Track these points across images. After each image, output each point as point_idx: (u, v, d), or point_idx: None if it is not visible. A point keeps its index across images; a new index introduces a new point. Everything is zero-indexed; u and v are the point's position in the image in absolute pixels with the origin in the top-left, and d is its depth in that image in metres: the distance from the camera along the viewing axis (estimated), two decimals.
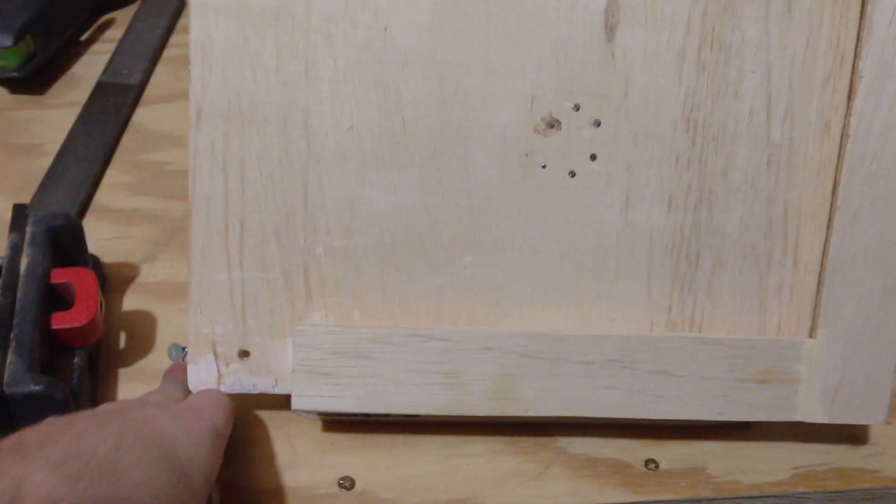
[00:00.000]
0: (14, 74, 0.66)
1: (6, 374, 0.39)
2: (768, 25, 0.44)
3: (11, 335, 0.41)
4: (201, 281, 0.44)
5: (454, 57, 0.43)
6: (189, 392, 0.45)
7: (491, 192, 0.44)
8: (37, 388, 0.39)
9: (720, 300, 0.46)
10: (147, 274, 0.56)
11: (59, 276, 0.46)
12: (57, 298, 0.45)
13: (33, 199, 0.59)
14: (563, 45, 0.43)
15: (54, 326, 0.44)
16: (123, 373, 0.50)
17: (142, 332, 0.53)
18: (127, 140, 0.66)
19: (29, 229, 0.47)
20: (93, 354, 0.48)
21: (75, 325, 0.44)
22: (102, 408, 0.40)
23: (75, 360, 0.45)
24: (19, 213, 0.47)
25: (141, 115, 0.68)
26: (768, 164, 0.45)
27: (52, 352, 0.44)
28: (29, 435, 0.34)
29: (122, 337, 0.52)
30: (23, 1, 0.67)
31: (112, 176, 0.63)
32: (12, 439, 0.34)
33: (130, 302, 0.54)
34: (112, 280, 0.56)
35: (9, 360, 0.40)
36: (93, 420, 0.36)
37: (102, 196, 0.62)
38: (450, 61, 0.43)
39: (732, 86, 0.44)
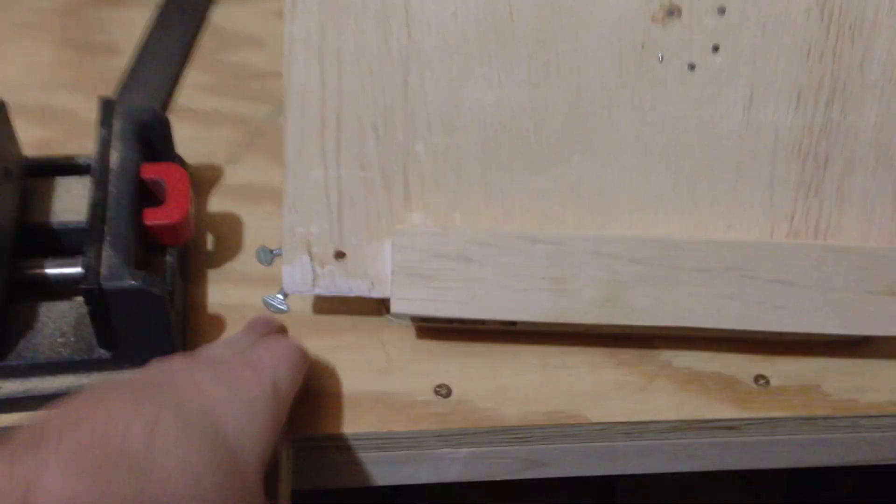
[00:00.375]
0: None
1: (103, 269, 0.38)
2: None
3: (106, 229, 0.40)
4: (296, 178, 0.41)
5: None
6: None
7: (602, 87, 0.41)
8: (135, 283, 0.38)
9: (849, 206, 0.42)
10: (232, 176, 0.55)
11: (150, 171, 0.44)
12: (147, 195, 0.44)
13: (116, 97, 0.57)
14: None
15: (147, 223, 0.42)
16: (213, 274, 0.49)
17: (229, 234, 0.51)
18: (205, 40, 0.64)
19: (117, 124, 0.45)
20: (183, 254, 0.46)
21: (168, 221, 0.42)
22: (147, 371, 0.36)
23: (167, 258, 0.43)
24: (108, 107, 0.45)
25: (218, 15, 0.66)
26: None
27: (145, 250, 0.43)
28: (54, 417, 0.30)
29: (210, 238, 0.51)
30: None
31: (192, 76, 0.61)
32: (35, 423, 0.30)
33: (216, 203, 0.53)
34: (196, 181, 0.54)
35: (104, 254, 0.39)
36: (127, 395, 0.32)
37: (183, 96, 0.60)
38: None
39: None
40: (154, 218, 0.42)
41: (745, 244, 0.42)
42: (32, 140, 0.52)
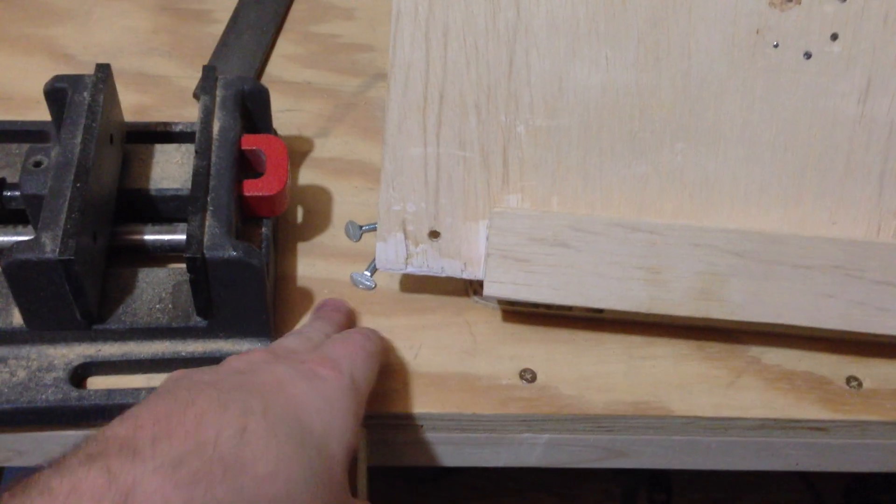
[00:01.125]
0: None
1: (206, 238, 0.38)
2: None
3: (209, 199, 0.40)
4: (396, 155, 0.41)
5: None
6: (338, 329, 0.41)
7: (713, 72, 0.40)
8: (235, 253, 0.38)
9: None
10: (321, 149, 0.54)
11: (250, 142, 0.44)
12: (247, 165, 0.43)
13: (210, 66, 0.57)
14: None
15: (246, 193, 0.42)
16: (301, 247, 0.48)
17: (318, 208, 0.51)
18: (296, 10, 0.63)
19: (219, 92, 0.45)
20: (275, 226, 0.46)
21: (267, 193, 0.42)
22: (228, 368, 0.35)
23: (263, 229, 0.43)
24: (210, 74, 0.45)
25: None
26: None
27: (243, 220, 0.43)
28: (144, 421, 0.30)
29: (300, 211, 0.50)
30: None
31: (283, 47, 0.61)
32: (124, 429, 0.29)
33: (305, 176, 0.52)
34: (290, 153, 0.54)
35: (207, 223, 0.39)
36: (214, 398, 0.31)
37: (274, 67, 0.59)
38: None
39: None
40: (254, 189, 0.42)
41: (850, 242, 0.40)
42: (129, 106, 0.52)
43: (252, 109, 0.46)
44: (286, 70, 0.59)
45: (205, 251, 0.37)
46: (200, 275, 0.38)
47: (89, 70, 0.44)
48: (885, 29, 0.39)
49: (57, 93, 0.43)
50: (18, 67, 0.56)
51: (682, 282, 0.40)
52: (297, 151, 0.54)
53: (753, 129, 0.40)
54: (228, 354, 0.39)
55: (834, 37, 0.39)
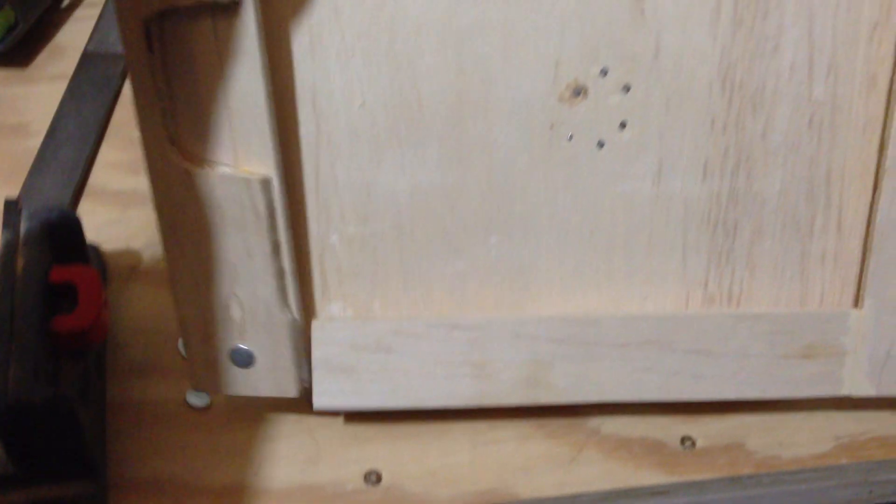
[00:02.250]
0: None
1: (10, 386, 0.36)
2: None
3: (12, 342, 0.37)
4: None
5: (471, 22, 0.38)
6: None
7: (514, 167, 0.40)
8: (44, 398, 0.36)
9: (760, 271, 0.42)
10: (151, 260, 0.53)
11: (60, 274, 0.42)
12: (58, 299, 0.41)
13: (25, 184, 0.55)
14: (589, 5, 0.39)
15: (58, 330, 0.40)
16: (134, 370, 0.47)
17: (150, 325, 0.49)
18: (120, 114, 0.62)
19: (24, 225, 0.43)
20: (100, 354, 0.44)
21: (79, 327, 0.40)
22: None
23: (82, 364, 0.41)
24: (11, 208, 0.43)
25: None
26: (810, 123, 0.41)
27: (57, 357, 0.41)
28: None
29: (130, 331, 0.48)
30: None
31: (107, 154, 0.59)
32: None
33: (136, 292, 0.51)
34: (114, 269, 0.52)
35: (12, 370, 0.36)
36: None
37: (98, 177, 0.57)
38: (466, 27, 0.38)
39: (772, 41, 0.40)
40: (65, 325, 0.40)
41: (660, 317, 0.41)
42: None
43: (63, 238, 0.44)
44: (111, 179, 0.57)
45: (9, 398, 0.35)
46: (7, 423, 0.35)
47: None
48: (669, 114, 0.40)
49: None
50: None
51: (507, 373, 0.41)
52: (125, 266, 0.52)
53: (560, 217, 0.41)
54: (52, 501, 0.37)
55: (623, 125, 0.40)
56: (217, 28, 0.36)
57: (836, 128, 0.41)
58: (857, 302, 0.42)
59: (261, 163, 0.38)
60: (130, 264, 0.52)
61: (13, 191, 0.54)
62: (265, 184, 0.38)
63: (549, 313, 0.41)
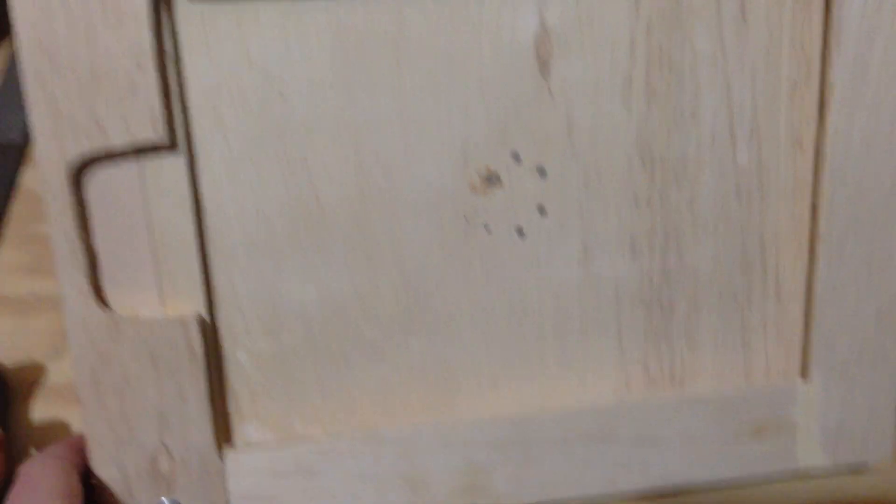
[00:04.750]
0: None
1: None
2: (722, 36, 0.38)
3: None
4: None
5: (365, 115, 0.37)
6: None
7: (429, 263, 0.39)
8: None
9: (700, 347, 0.41)
10: (56, 373, 0.50)
11: None
12: None
13: None
14: (491, 87, 0.37)
15: None
16: None
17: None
18: (16, 209, 0.59)
19: None
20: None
21: None
22: None
23: None
24: None
25: (30, 178, 0.61)
26: (737, 191, 0.40)
27: None
28: None
29: (34, 454, 0.46)
30: None
31: (5, 256, 0.56)
32: None
33: (40, 410, 0.48)
34: (15, 385, 0.49)
35: None
36: None
37: None
38: (361, 121, 0.37)
39: (689, 109, 0.39)
40: None
41: (599, 408, 0.40)
42: None
43: None
44: (8, 283, 0.54)
45: None
46: None
47: None
48: (589, 193, 0.39)
49: None
50: None
51: (442, 484, 0.39)
52: (27, 381, 0.49)
53: (484, 310, 0.40)
54: None
55: (541, 210, 0.39)
56: (145, 168, 0.35)
57: (765, 193, 0.40)
58: (804, 371, 0.41)
59: (191, 300, 0.37)
60: (33, 379, 0.49)
61: None
62: (200, 322, 0.36)
63: (482, 415, 0.40)
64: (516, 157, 0.38)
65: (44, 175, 0.35)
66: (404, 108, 0.37)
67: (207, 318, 0.38)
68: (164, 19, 0.35)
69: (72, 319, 0.37)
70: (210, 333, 0.38)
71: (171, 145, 0.35)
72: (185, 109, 0.36)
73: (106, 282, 0.37)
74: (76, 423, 0.47)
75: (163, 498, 0.38)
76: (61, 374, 0.50)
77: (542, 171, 0.39)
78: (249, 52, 0.35)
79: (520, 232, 0.39)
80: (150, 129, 0.34)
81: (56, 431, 0.47)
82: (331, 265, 0.38)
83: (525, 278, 0.40)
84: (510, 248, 0.39)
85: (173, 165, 0.36)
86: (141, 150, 0.35)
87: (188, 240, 0.37)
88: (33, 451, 0.46)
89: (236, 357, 0.39)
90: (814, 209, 0.40)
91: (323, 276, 0.38)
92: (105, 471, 0.38)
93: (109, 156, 0.35)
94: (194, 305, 0.37)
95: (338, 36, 0.36)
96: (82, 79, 0.34)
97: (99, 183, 0.35)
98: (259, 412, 0.39)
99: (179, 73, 0.35)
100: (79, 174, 0.35)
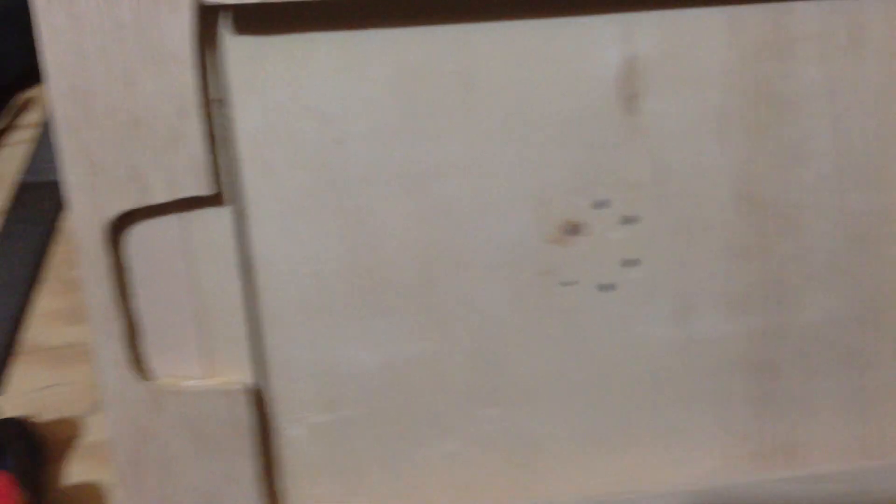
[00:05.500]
0: None
1: None
2: (830, 65, 0.34)
3: None
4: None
5: (431, 163, 0.33)
6: None
7: (504, 325, 0.35)
8: None
9: (814, 415, 0.37)
10: (95, 430, 0.47)
11: None
12: None
13: None
14: (571, 128, 0.34)
15: None
16: None
17: None
18: (58, 254, 0.56)
19: None
20: None
21: None
22: None
23: None
24: None
25: (71, 220, 0.58)
26: (851, 238, 0.36)
27: None
28: None
29: None
30: None
31: (43, 303, 0.53)
32: None
33: (76, 471, 0.45)
34: (51, 443, 0.46)
35: None
36: None
37: (34, 331, 0.52)
38: (426, 169, 0.33)
39: (794, 147, 0.35)
40: None
41: (699, 488, 0.36)
42: None
43: None
44: (47, 332, 0.52)
45: None
46: None
47: None
48: (683, 245, 0.35)
49: None
50: None
51: None
52: (64, 439, 0.46)
53: (565, 376, 0.36)
54: None
55: (629, 263, 0.35)
56: (189, 223, 0.32)
57: (881, 240, 0.36)
58: None
59: (239, 369, 0.34)
60: (70, 436, 0.46)
61: None
62: (249, 393, 0.33)
63: (564, 495, 0.36)
64: (600, 205, 0.34)
65: (78, 233, 0.32)
66: (474, 154, 0.34)
67: (257, 389, 0.34)
68: (209, 59, 0.31)
69: (108, 391, 0.33)
70: (260, 406, 0.35)
71: (218, 198, 0.32)
72: (232, 159, 0.32)
73: (145, 349, 0.33)
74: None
75: None
76: (99, 432, 0.47)
77: (629, 220, 0.35)
78: (303, 93, 0.32)
79: (605, 288, 0.35)
80: (195, 181, 0.31)
81: (91, 495, 0.44)
82: (394, 329, 0.35)
83: (613, 340, 0.36)
84: (595, 305, 0.35)
85: (220, 220, 0.33)
86: (185, 204, 0.32)
87: (236, 302, 0.33)
88: None
89: (289, 432, 0.35)
90: None
91: (385, 340, 0.35)
92: None
93: (150, 211, 0.32)
94: (242, 375, 0.34)
95: (400, 73, 0.32)
96: (119, 128, 0.31)
97: (138, 240, 0.32)
98: (315, 493, 0.36)
99: (226, 119, 0.32)
100: (116, 231, 0.32)
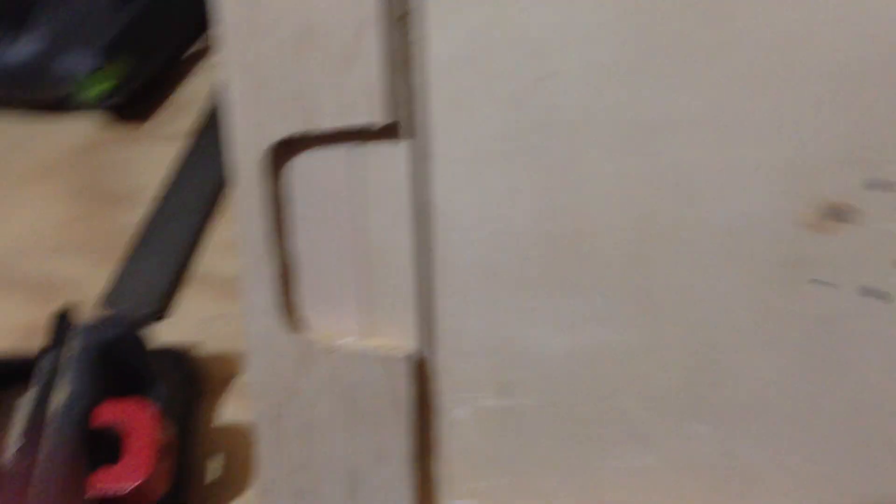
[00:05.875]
0: (104, 104, 0.55)
1: None
2: None
3: None
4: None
5: (659, 114, 0.26)
6: None
7: (731, 324, 0.28)
8: None
9: None
10: None
11: (107, 414, 0.34)
12: (104, 444, 0.34)
13: (117, 269, 0.48)
14: (854, 84, 0.26)
15: (92, 495, 0.32)
16: None
17: (246, 456, 0.40)
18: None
19: (76, 344, 0.35)
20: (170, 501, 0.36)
21: (120, 489, 0.32)
22: None
23: None
24: (62, 325, 0.36)
25: None
26: None
27: None
28: None
29: (220, 460, 0.40)
30: (110, 11, 0.55)
31: (220, 231, 0.51)
32: None
33: (231, 410, 0.42)
34: (209, 378, 0.44)
35: None
36: None
37: (207, 260, 0.50)
38: (652, 122, 0.27)
39: None
40: (103, 484, 0.32)
41: None
42: (19, 326, 0.43)
43: (122, 361, 0.36)
44: (221, 263, 0.49)
45: None
46: None
47: None
48: None
49: None
50: None
51: None
52: (219, 375, 0.44)
53: (806, 399, 0.28)
54: None
55: None
56: (361, 160, 0.28)
57: None
58: None
59: (402, 334, 0.29)
60: (231, 374, 0.44)
61: (105, 273, 0.48)
62: (411, 363, 0.29)
63: None
64: (877, 186, 0.26)
65: (236, 157, 0.28)
66: (717, 106, 0.26)
67: (421, 359, 0.29)
68: None
69: (253, 338, 0.29)
70: (423, 379, 0.30)
71: (394, 130, 0.27)
72: (415, 87, 0.27)
73: (298, 297, 0.29)
74: None
75: None
76: None
77: None
78: (508, 16, 0.26)
79: (874, 294, 0.27)
80: (368, 106, 0.26)
81: (242, 438, 0.41)
82: (590, 310, 0.28)
83: (878, 362, 0.28)
84: (857, 315, 0.27)
85: (395, 157, 0.27)
86: (356, 135, 0.27)
87: (406, 254, 0.28)
88: (221, 456, 0.40)
89: (453, 413, 0.30)
90: None
91: (578, 323, 0.29)
92: None
93: (317, 140, 0.27)
94: (405, 340, 0.29)
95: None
96: (289, 40, 0.26)
97: (301, 173, 0.28)
98: (476, 487, 0.30)
99: (413, 42, 0.26)
100: (278, 160, 0.28)
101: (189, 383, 0.41)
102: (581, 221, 0.28)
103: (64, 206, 0.52)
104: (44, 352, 0.36)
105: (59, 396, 0.34)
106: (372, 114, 0.26)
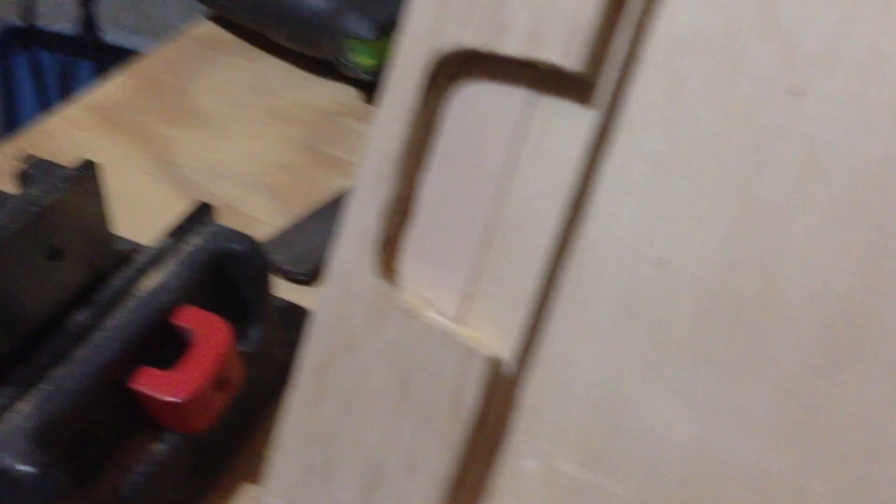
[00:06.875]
0: (369, 77, 0.55)
1: None
2: None
3: (54, 373, 0.28)
4: None
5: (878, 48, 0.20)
6: None
7: None
8: (26, 469, 0.25)
9: None
10: None
11: (186, 316, 0.31)
12: (171, 345, 0.31)
13: (296, 223, 0.47)
14: None
15: (134, 385, 0.29)
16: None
17: None
18: None
19: (193, 241, 0.33)
20: (195, 447, 0.32)
21: (165, 395, 0.29)
22: None
23: (155, 446, 0.30)
24: (196, 217, 0.34)
25: None
26: None
27: (129, 424, 0.30)
28: None
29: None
30: None
31: None
32: None
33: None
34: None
35: (16, 410, 0.27)
36: None
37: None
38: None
39: None
40: (147, 383, 0.29)
41: None
42: None
43: (229, 284, 0.33)
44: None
45: None
46: None
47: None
48: None
49: (27, 178, 0.34)
50: (116, 161, 0.49)
51: None
52: None
53: None
54: None
55: None
56: (533, 108, 0.23)
57: None
58: None
59: (499, 332, 0.24)
60: None
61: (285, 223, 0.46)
62: (492, 368, 0.23)
63: None
64: None
65: (398, 62, 0.24)
66: None
67: (508, 377, 0.24)
68: None
69: (337, 267, 0.25)
70: (501, 400, 0.24)
71: (586, 95, 0.22)
72: (628, 51, 0.22)
73: (403, 246, 0.25)
74: None
75: None
76: None
77: None
78: None
79: None
80: (564, 48, 0.21)
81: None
82: (739, 408, 0.21)
83: None
84: None
85: (577, 127, 0.22)
86: (540, 82, 0.23)
87: (541, 243, 0.23)
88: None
89: (522, 463, 0.24)
90: None
91: (718, 416, 0.22)
92: None
93: (493, 69, 0.23)
94: (500, 341, 0.24)
95: None
96: None
97: (462, 105, 0.24)
98: None
99: (643, 9, 0.22)
100: (441, 80, 0.24)
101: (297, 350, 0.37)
102: (772, 282, 0.21)
103: (286, 153, 0.52)
104: (169, 235, 0.34)
105: (149, 282, 0.32)
106: (567, 53, 0.21)
